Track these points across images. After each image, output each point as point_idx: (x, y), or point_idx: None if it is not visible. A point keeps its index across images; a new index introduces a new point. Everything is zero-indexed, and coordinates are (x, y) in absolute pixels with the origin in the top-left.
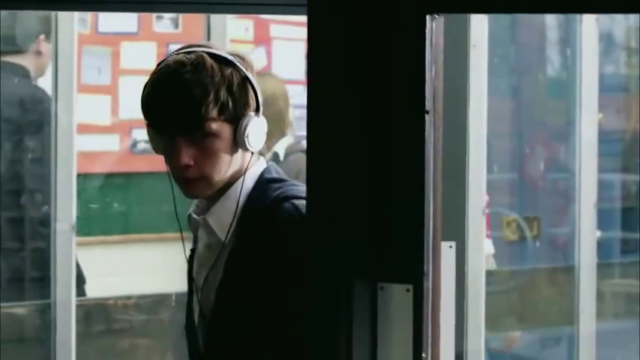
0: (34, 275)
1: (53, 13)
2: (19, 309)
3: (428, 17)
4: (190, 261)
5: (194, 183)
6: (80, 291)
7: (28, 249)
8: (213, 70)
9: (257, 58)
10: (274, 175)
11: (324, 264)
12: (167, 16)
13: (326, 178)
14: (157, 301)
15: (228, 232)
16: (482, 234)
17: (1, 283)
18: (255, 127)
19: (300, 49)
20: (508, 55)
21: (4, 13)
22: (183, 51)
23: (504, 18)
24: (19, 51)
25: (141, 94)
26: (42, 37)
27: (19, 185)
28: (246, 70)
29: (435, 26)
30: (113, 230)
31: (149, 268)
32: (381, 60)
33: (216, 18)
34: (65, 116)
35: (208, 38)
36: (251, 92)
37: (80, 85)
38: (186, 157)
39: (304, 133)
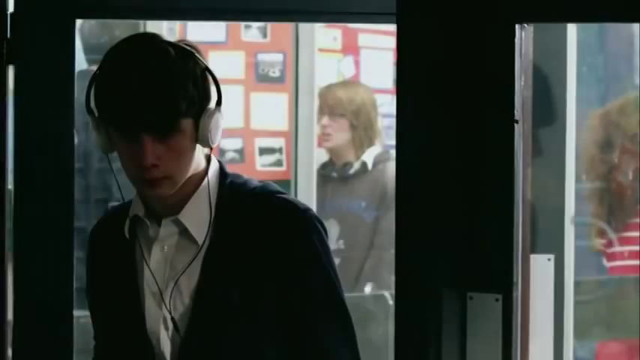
0: None
1: (141, 22)
2: None
3: (517, 27)
4: (111, 263)
5: (158, 183)
6: None
7: None
8: (178, 62)
9: (345, 68)
10: (228, 170)
11: (413, 274)
12: (255, 25)
13: (415, 187)
14: None
15: (207, 232)
16: (572, 243)
17: None
18: (217, 122)
19: (388, 58)
20: (596, 64)
21: (93, 22)
22: (136, 41)
23: (593, 26)
24: None
25: (91, 87)
26: None
27: (108, 195)
28: (201, 56)
29: (524, 36)
30: None
31: None
32: (471, 70)
33: (304, 27)
34: None
35: (296, 47)
36: (212, 84)
37: None
38: (153, 157)
39: (392, 142)
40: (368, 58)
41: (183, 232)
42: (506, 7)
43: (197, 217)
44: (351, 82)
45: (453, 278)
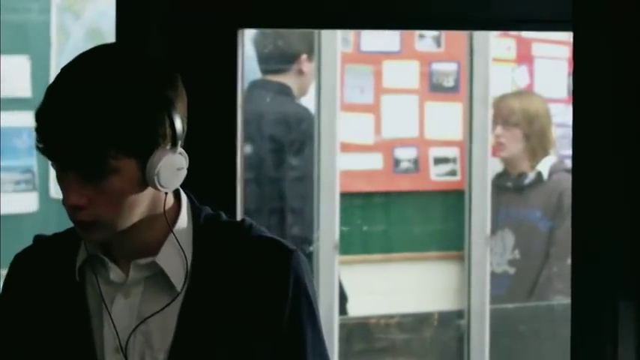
0: None
1: (316, 32)
2: None
3: None
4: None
5: (90, 227)
6: (342, 309)
7: None
8: (119, 93)
9: (519, 77)
10: (198, 204)
11: (590, 285)
12: (429, 34)
13: (591, 198)
14: (419, 320)
15: (186, 277)
16: None
17: None
18: (169, 164)
19: (562, 68)
20: None
21: (267, 32)
22: (80, 63)
23: None
24: (281, 70)
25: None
26: (304, 56)
27: (282, 204)
28: (166, 87)
29: None
30: (374, 249)
31: (411, 286)
32: None
33: (478, 37)
34: (328, 135)
35: (471, 57)
36: (166, 119)
37: (343, 103)
38: (77, 196)
39: (567, 152)
40: (542, 68)
41: (155, 276)
42: None
43: (175, 259)
44: (526, 92)
45: (630, 290)
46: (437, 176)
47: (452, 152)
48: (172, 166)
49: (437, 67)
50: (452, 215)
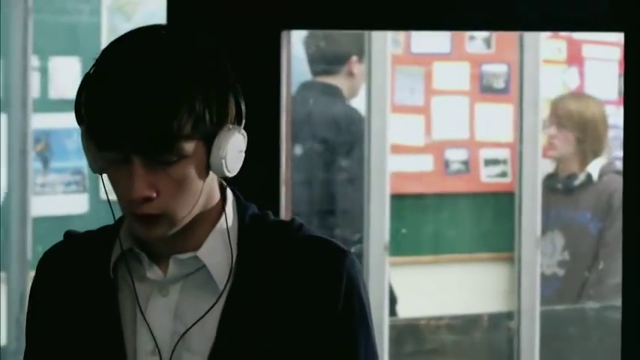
0: None
1: (366, 33)
2: None
3: None
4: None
5: (154, 221)
6: (392, 311)
7: None
8: (187, 70)
9: (570, 79)
10: (244, 201)
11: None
12: (479, 36)
13: None
14: (469, 321)
15: (230, 275)
16: None
17: None
18: (234, 146)
19: (613, 70)
20: None
21: (317, 33)
22: (136, 39)
23: None
24: (331, 71)
25: (80, 91)
26: (354, 58)
27: (332, 205)
28: (228, 68)
29: None
30: (425, 250)
31: (461, 288)
32: None
33: (529, 38)
34: (378, 137)
35: (521, 58)
36: (231, 99)
37: (393, 105)
38: (147, 187)
39: (618, 153)
40: (592, 69)
41: (196, 274)
42: None
43: (218, 255)
44: (584, 96)
45: None
46: (487, 177)
47: (502, 154)
48: (236, 148)
49: (487, 68)
50: (502, 216)
